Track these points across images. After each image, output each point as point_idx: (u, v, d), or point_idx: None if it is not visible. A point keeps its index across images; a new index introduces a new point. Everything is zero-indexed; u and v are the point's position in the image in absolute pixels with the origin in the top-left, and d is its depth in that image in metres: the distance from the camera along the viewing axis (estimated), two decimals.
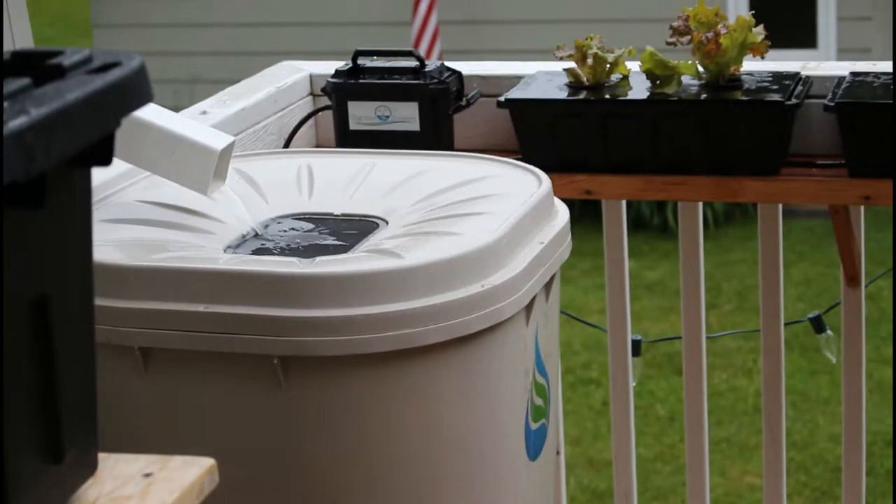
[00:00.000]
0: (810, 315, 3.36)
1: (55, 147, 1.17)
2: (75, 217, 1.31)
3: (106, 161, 1.27)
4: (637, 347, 3.22)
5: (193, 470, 1.39)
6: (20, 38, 2.35)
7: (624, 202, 3.08)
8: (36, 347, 1.26)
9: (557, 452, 2.92)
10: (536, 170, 2.30)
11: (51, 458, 1.29)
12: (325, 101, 2.98)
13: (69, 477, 1.34)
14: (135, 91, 1.28)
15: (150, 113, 2.15)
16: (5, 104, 1.14)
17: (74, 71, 1.25)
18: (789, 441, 3.31)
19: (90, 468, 1.37)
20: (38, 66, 1.24)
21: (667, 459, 6.98)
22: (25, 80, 1.20)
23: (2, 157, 1.10)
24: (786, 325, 3.11)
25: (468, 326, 1.98)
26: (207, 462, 1.41)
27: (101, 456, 1.39)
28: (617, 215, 3.09)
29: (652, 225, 10.16)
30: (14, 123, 1.12)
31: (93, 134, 1.24)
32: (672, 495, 6.55)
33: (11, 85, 1.18)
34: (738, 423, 7.56)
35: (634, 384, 3.21)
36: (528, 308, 2.09)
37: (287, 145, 2.94)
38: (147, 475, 1.39)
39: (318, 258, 2.02)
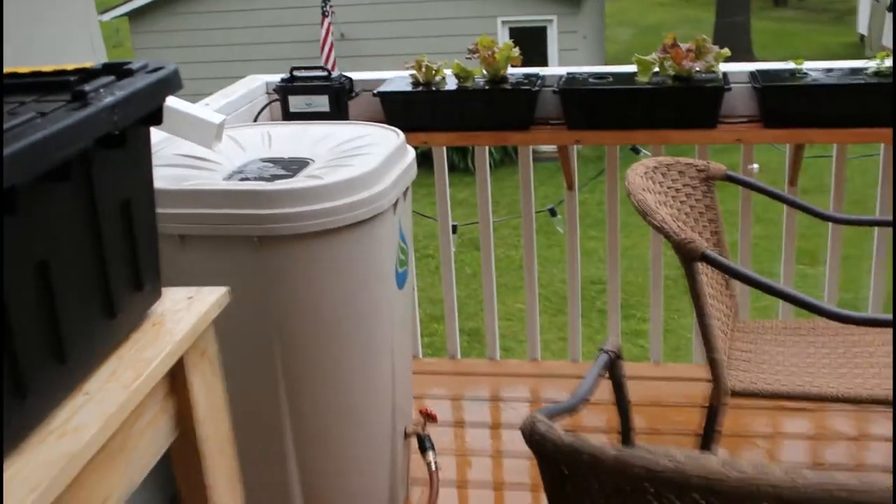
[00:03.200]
0: (548, 207, 3.44)
1: (129, 114, 1.18)
2: (142, 155, 1.32)
3: (158, 122, 1.28)
4: (454, 230, 3.27)
5: (216, 294, 1.42)
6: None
7: (444, 149, 3.09)
8: (124, 230, 1.27)
9: (413, 288, 2.98)
10: (396, 129, 2.31)
11: (136, 287, 1.31)
12: (276, 96, 2.96)
13: (146, 299, 1.35)
14: (172, 83, 1.28)
15: (178, 102, 2.14)
16: (102, 90, 1.15)
17: (138, 72, 1.25)
18: (539, 283, 3.38)
19: (157, 295, 1.39)
20: (118, 70, 1.24)
21: (473, 297, 7.09)
22: (112, 77, 1.20)
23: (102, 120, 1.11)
24: (536, 213, 3.18)
25: (362, 216, 1.99)
26: (223, 289, 1.43)
27: (164, 289, 1.41)
28: (441, 158, 3.10)
29: (460, 167, 10.22)
30: (107, 100, 1.13)
31: (150, 106, 1.24)
32: (476, 316, 6.65)
33: (105, 80, 1.19)
34: (511, 274, 7.68)
35: (454, 251, 3.27)
36: (395, 206, 2.10)
37: (255, 120, 2.93)
38: (189, 298, 1.41)
39: (277, 181, 2.03)
